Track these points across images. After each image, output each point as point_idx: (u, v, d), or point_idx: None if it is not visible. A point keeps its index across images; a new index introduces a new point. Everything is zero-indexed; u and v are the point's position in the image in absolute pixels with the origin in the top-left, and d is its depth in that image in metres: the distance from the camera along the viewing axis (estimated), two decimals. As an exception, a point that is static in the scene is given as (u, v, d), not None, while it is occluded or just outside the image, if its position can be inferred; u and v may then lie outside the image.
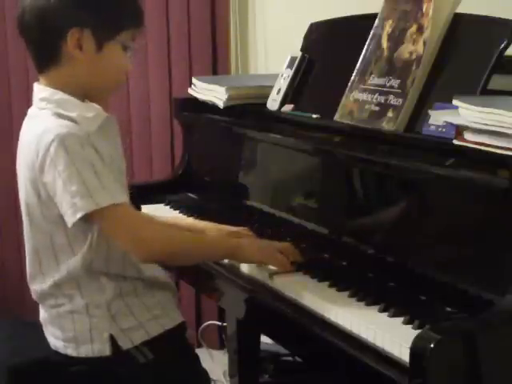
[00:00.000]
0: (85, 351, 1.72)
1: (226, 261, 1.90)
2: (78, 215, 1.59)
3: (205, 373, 1.89)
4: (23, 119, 2.24)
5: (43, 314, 1.80)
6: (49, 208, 1.66)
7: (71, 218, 1.60)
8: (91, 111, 1.68)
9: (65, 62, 1.68)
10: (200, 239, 1.83)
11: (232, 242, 1.81)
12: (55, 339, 1.77)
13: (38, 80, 1.75)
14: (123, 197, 1.64)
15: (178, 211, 2.28)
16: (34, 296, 1.81)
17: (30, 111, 1.75)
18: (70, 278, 1.71)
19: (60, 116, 1.65)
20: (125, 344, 1.71)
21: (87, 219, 1.62)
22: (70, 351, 1.74)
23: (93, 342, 1.71)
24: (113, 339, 1.71)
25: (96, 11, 1.66)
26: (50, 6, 1.65)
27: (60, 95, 1.68)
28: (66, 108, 1.67)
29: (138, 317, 1.73)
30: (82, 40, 1.66)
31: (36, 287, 1.78)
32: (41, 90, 1.72)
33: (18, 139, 1.80)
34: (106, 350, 1.71)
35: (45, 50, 1.69)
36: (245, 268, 1.84)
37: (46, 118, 1.67)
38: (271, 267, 1.78)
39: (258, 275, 1.80)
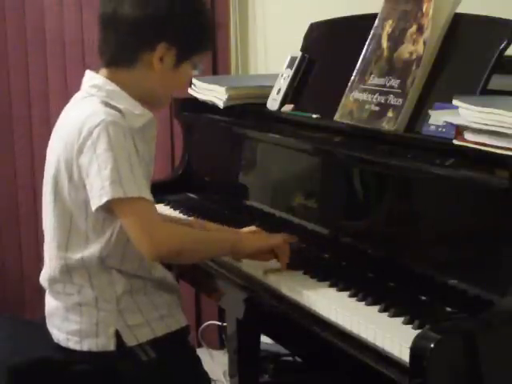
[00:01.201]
0: (88, 345, 1.73)
1: (226, 260, 1.90)
2: (104, 199, 1.61)
3: (205, 375, 1.89)
4: (23, 119, 2.28)
5: (50, 304, 1.80)
6: (77, 191, 1.68)
7: (97, 201, 1.62)
8: (138, 109, 1.73)
9: (140, 67, 1.73)
10: (207, 238, 1.83)
11: (234, 237, 1.83)
12: (58, 331, 1.78)
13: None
14: (149, 194, 1.66)
15: (177, 211, 2.28)
16: (42, 278, 1.81)
17: (76, 97, 1.78)
18: (82, 267, 1.72)
19: (107, 105, 1.69)
20: (130, 340, 1.72)
21: (111, 208, 1.63)
22: (73, 344, 1.75)
23: (98, 335, 1.72)
24: (118, 335, 1.72)
25: (188, 33, 1.73)
26: (149, 16, 1.69)
27: (113, 87, 1.72)
28: (114, 99, 1.70)
29: (145, 314, 1.74)
30: (166, 54, 1.72)
31: (47, 269, 1.78)
32: (93, 77, 1.75)
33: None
34: (110, 345, 1.72)
35: (126, 51, 1.73)
36: (244, 267, 1.84)
37: (94, 103, 1.70)
38: (268, 264, 1.79)
39: (257, 275, 1.80)
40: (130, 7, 1.69)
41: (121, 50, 1.73)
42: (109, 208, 1.64)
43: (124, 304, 1.73)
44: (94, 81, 1.74)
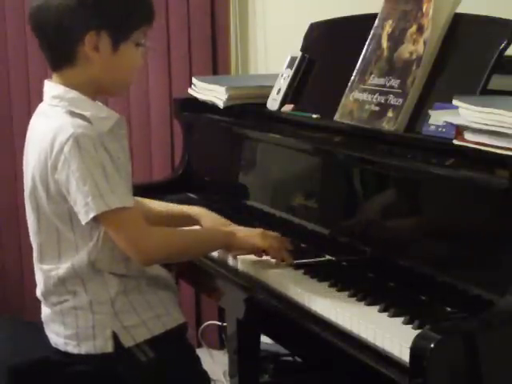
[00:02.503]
0: (86, 348, 1.73)
1: (226, 260, 1.90)
2: (91, 215, 1.63)
3: (205, 374, 1.89)
4: (23, 119, 2.26)
5: (45, 312, 1.81)
6: (57, 203, 1.69)
7: (84, 217, 1.64)
8: (103, 112, 1.72)
9: (80, 62, 1.71)
10: (196, 236, 1.86)
11: (225, 231, 1.86)
12: (56, 336, 1.78)
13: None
14: (130, 201, 1.67)
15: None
16: (37, 293, 1.82)
17: (41, 108, 1.77)
18: (74, 275, 1.72)
19: (73, 114, 1.68)
20: (127, 341, 1.72)
21: (96, 220, 1.65)
22: (71, 348, 1.75)
23: (95, 338, 1.72)
24: (115, 336, 1.72)
25: (112, 13, 1.69)
26: (68, 9, 1.66)
27: (73, 94, 1.71)
28: (78, 107, 1.69)
29: (140, 314, 1.74)
30: (99, 42, 1.69)
31: (40, 285, 1.79)
32: (53, 88, 1.74)
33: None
34: (108, 347, 1.72)
35: (60, 51, 1.71)
36: (244, 267, 1.84)
37: (60, 115, 1.69)
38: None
39: (258, 275, 1.80)
40: (47, 4, 1.67)
41: (55, 52, 1.72)
42: (95, 219, 1.65)
43: (119, 305, 1.73)
44: (54, 91, 1.73)
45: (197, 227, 1.99)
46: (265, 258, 1.84)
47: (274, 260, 1.82)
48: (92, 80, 1.72)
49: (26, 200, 1.78)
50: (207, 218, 1.98)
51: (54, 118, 1.69)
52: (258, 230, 1.85)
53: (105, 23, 1.68)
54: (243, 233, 1.84)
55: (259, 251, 1.84)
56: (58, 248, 1.73)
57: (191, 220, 1.99)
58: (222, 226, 1.95)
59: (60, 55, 1.71)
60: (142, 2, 1.74)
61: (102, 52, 1.69)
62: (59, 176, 1.65)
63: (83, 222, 1.65)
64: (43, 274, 1.77)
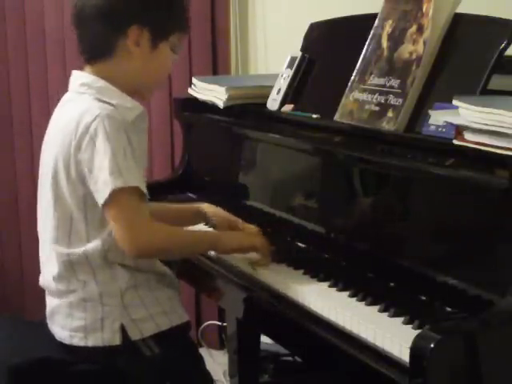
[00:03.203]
0: (93, 340, 1.73)
1: (225, 260, 1.90)
2: (108, 190, 1.64)
3: (208, 375, 1.90)
4: (23, 119, 2.27)
5: (51, 304, 1.81)
6: (75, 187, 1.70)
7: (102, 194, 1.65)
8: (130, 102, 1.75)
9: (119, 55, 1.75)
10: (188, 237, 1.86)
11: (214, 234, 1.90)
12: (61, 329, 1.78)
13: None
14: (144, 187, 1.69)
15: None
16: (41, 282, 1.82)
17: (66, 97, 1.80)
18: (86, 262, 1.73)
19: (100, 101, 1.71)
20: (134, 335, 1.73)
21: (110, 200, 1.64)
22: (77, 341, 1.75)
23: (103, 330, 1.73)
24: (123, 329, 1.72)
25: (157, 12, 1.75)
26: (115, 2, 1.72)
27: (102, 83, 1.74)
28: (106, 95, 1.73)
29: (149, 309, 1.76)
30: (140, 37, 1.73)
31: (50, 269, 1.78)
32: (82, 76, 1.77)
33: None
34: (115, 340, 1.72)
35: (101, 42, 1.75)
36: (244, 267, 1.84)
37: (87, 100, 1.72)
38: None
39: (257, 275, 1.80)
40: None
41: (96, 43, 1.75)
42: (108, 201, 1.65)
43: (128, 298, 1.74)
44: (82, 79, 1.77)
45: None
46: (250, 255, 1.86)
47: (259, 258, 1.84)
48: (126, 75, 1.76)
49: (41, 188, 1.79)
50: (213, 210, 2.03)
51: (81, 103, 1.72)
52: (240, 235, 1.89)
53: (149, 20, 1.73)
54: (228, 234, 1.88)
55: (245, 250, 1.85)
56: (70, 235, 1.74)
57: (200, 214, 2.03)
58: (226, 217, 1.99)
59: (100, 46, 1.75)
60: (183, 8, 1.81)
61: (141, 47, 1.74)
62: (82, 155, 1.67)
63: (101, 201, 1.65)
64: (53, 258, 1.77)
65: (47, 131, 1.82)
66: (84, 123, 1.67)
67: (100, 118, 1.66)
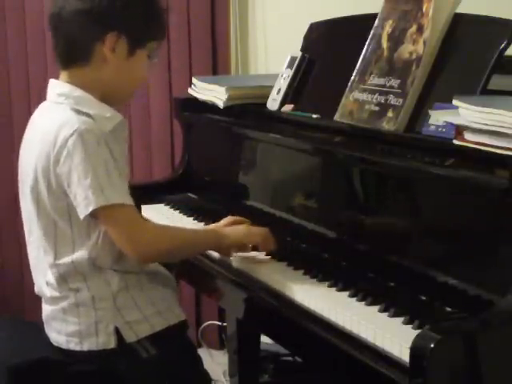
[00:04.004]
0: (88, 345, 1.73)
1: (225, 260, 1.90)
2: (90, 208, 1.64)
3: (206, 375, 1.90)
4: (23, 119, 2.23)
5: (46, 310, 1.81)
6: (57, 198, 1.70)
7: (84, 210, 1.65)
8: (108, 112, 1.74)
9: (95, 61, 1.73)
10: (191, 235, 1.87)
11: (216, 230, 1.88)
12: (58, 334, 1.78)
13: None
14: (129, 199, 1.68)
15: (178, 211, 2.28)
16: (36, 290, 1.82)
17: (44, 105, 1.79)
18: (75, 272, 1.73)
19: (78, 112, 1.70)
20: (129, 337, 1.73)
21: (95, 215, 1.66)
22: (73, 346, 1.75)
23: (98, 334, 1.73)
24: (118, 332, 1.72)
25: (136, 19, 1.74)
26: (94, 8, 1.70)
27: (79, 92, 1.73)
28: (84, 105, 1.71)
29: (142, 310, 1.75)
30: (117, 44, 1.72)
31: (42, 280, 1.79)
32: (59, 85, 1.76)
33: (18, 139, 1.80)
34: (110, 343, 1.72)
35: (78, 48, 1.74)
36: (244, 267, 1.84)
37: (64, 111, 1.71)
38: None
39: (258, 275, 1.80)
40: (74, 2, 1.70)
41: (72, 47, 1.74)
42: (93, 215, 1.66)
43: (121, 301, 1.74)
44: (59, 89, 1.75)
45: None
46: (253, 253, 1.87)
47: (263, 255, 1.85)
48: (101, 82, 1.75)
49: (22, 195, 1.79)
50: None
51: (59, 114, 1.71)
52: (243, 227, 1.87)
53: (127, 27, 1.72)
54: (230, 231, 1.86)
55: (248, 247, 1.86)
56: (55, 243, 1.73)
57: None
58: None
59: (76, 52, 1.74)
60: (160, 15, 1.80)
61: (117, 54, 1.73)
62: (61, 169, 1.66)
63: (81, 216, 1.66)
64: (44, 269, 1.77)
65: (25, 137, 1.81)
66: (62, 136, 1.66)
67: (78, 132, 1.65)
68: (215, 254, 1.93)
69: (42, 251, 1.77)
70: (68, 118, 1.68)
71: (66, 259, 1.72)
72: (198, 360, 1.88)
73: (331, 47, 2.13)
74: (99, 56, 1.73)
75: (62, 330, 1.77)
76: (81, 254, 1.71)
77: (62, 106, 1.73)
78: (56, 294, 1.76)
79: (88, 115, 1.70)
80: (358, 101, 1.87)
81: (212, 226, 1.94)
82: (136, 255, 1.71)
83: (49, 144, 1.68)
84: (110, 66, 1.74)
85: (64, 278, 1.74)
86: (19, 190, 1.82)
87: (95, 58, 1.73)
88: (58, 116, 1.71)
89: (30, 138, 1.79)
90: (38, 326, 1.84)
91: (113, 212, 1.66)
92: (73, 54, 1.74)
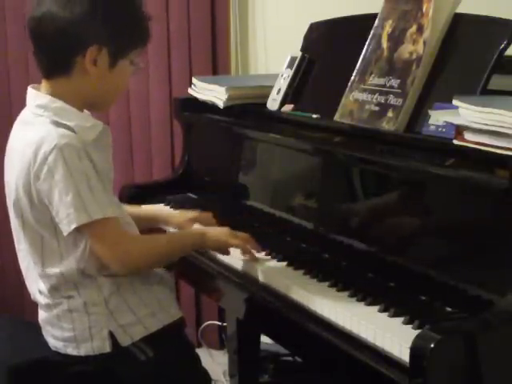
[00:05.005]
0: (85, 350, 1.73)
1: (225, 260, 1.90)
2: (73, 226, 1.64)
3: (205, 373, 1.89)
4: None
5: (42, 315, 1.81)
6: (40, 212, 1.69)
7: (66, 228, 1.65)
8: (89, 121, 1.73)
9: (76, 73, 1.71)
10: (172, 241, 1.86)
11: (197, 232, 1.89)
12: (55, 340, 1.78)
13: (36, 83, 1.77)
14: (112, 211, 1.68)
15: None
16: (32, 297, 1.83)
17: (24, 116, 1.77)
18: (65, 281, 1.73)
19: (58, 124, 1.68)
20: (124, 340, 1.72)
21: (79, 230, 1.66)
22: (71, 350, 1.75)
23: (92, 339, 1.72)
24: (112, 336, 1.72)
25: (116, 31, 1.71)
26: (74, 20, 1.67)
27: (59, 103, 1.71)
28: (63, 117, 1.69)
29: (136, 312, 1.75)
30: (99, 57, 1.70)
31: (35, 290, 1.79)
32: (38, 96, 1.74)
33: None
34: (105, 347, 1.72)
35: (58, 60, 1.71)
36: (244, 267, 1.84)
37: (44, 125, 1.69)
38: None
39: (257, 275, 1.80)
40: (53, 14, 1.67)
41: (53, 60, 1.72)
42: (78, 229, 1.66)
43: (113, 304, 1.73)
44: (38, 100, 1.73)
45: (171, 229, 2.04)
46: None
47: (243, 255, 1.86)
48: (82, 93, 1.73)
49: (9, 208, 1.78)
50: (175, 217, 2.04)
51: (39, 128, 1.69)
52: (226, 229, 1.87)
53: (108, 41, 1.70)
54: (213, 232, 1.86)
55: (228, 250, 1.87)
56: (42, 256, 1.74)
57: (157, 221, 2.05)
58: (190, 217, 2.00)
59: (57, 64, 1.71)
60: (142, 23, 1.76)
61: (99, 67, 1.71)
62: (41, 186, 1.65)
63: (65, 233, 1.66)
64: (36, 279, 1.77)
65: (8, 146, 1.79)
66: (42, 152, 1.64)
67: (58, 148, 1.63)
68: (215, 254, 1.93)
69: (31, 262, 1.77)
70: (47, 133, 1.66)
71: (55, 270, 1.72)
72: (197, 359, 1.88)
73: (331, 47, 2.13)
74: (80, 68, 1.70)
75: (59, 336, 1.77)
76: (69, 265, 1.71)
77: (41, 119, 1.70)
78: (49, 301, 1.76)
79: (68, 127, 1.68)
80: (358, 101, 1.87)
81: (196, 228, 1.95)
82: (121, 268, 1.71)
83: (29, 159, 1.66)
84: (91, 78, 1.71)
85: (55, 287, 1.74)
86: (7, 204, 1.79)
87: (76, 70, 1.70)
88: (37, 130, 1.68)
89: (11, 151, 1.76)
90: (37, 327, 1.84)
91: (95, 228, 1.66)
92: (53, 67, 1.72)
